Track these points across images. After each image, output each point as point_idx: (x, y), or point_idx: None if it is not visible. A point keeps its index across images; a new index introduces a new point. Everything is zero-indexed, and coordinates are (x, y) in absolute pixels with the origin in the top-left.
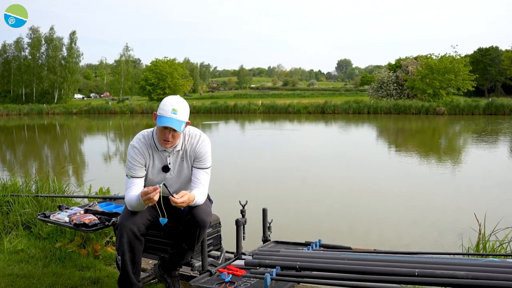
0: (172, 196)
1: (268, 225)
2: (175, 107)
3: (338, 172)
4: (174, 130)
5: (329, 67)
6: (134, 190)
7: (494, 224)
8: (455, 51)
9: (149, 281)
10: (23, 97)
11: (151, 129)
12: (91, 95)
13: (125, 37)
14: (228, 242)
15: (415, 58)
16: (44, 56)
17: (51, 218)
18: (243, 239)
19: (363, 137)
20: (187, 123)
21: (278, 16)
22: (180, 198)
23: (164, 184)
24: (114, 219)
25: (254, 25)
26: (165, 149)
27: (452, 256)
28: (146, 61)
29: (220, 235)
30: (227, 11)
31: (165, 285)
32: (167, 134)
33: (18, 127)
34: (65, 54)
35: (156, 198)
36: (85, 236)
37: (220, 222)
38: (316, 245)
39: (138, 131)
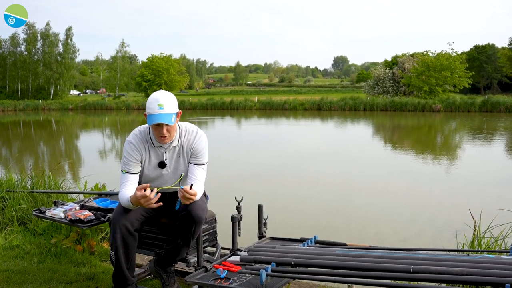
0: (182, 188)
1: (263, 221)
2: (160, 102)
3: (334, 168)
4: (167, 124)
5: (326, 63)
6: (128, 186)
7: (489, 221)
8: (452, 48)
9: (144, 277)
10: (19, 93)
11: (147, 125)
12: (87, 91)
13: (121, 33)
14: (224, 238)
15: (412, 55)
16: (40, 52)
17: (46, 214)
18: (239, 235)
19: (359, 134)
20: (179, 113)
21: (275, 12)
22: (194, 193)
23: (182, 174)
24: (109, 215)
25: (251, 21)
26: (161, 145)
27: (447, 252)
28: (142, 57)
29: (215, 231)
30: (224, 7)
31: (161, 281)
32: (161, 131)
33: (14, 123)
34: (61, 50)
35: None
36: (80, 232)
37: (215, 218)
38: (311, 242)
39: (134, 127)
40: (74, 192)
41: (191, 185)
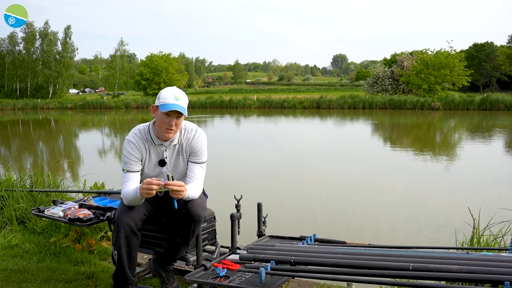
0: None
1: (263, 219)
2: (176, 94)
3: (334, 167)
4: (178, 117)
5: (325, 62)
6: (130, 184)
7: (489, 219)
8: (451, 47)
9: (144, 276)
10: (18, 92)
11: (147, 123)
12: (86, 90)
13: (120, 32)
14: (223, 237)
15: (411, 53)
16: (38, 51)
17: (45, 213)
18: (238, 234)
19: (358, 132)
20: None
21: (274, 10)
22: (177, 185)
23: (171, 176)
24: (108, 213)
25: (250, 20)
26: (162, 143)
27: (446, 250)
28: (141, 55)
29: (215, 229)
30: (223, 6)
31: (160, 280)
32: (171, 122)
33: (13, 122)
34: (60, 48)
35: (154, 191)
36: (79, 231)
37: (215, 216)
38: (310, 240)
39: (133, 126)
40: (73, 191)
41: (172, 176)
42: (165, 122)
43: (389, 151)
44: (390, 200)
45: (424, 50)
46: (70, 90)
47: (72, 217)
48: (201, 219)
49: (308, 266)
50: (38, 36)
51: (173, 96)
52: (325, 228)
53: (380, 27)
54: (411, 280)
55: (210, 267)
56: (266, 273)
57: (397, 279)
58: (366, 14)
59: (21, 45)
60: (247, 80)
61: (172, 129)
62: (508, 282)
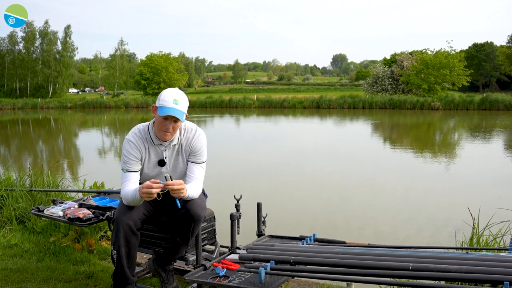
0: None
1: (262, 219)
2: (176, 98)
3: (333, 166)
4: (175, 121)
5: (325, 61)
6: (130, 184)
7: (488, 219)
8: (450, 46)
9: (143, 276)
10: (17, 91)
11: (147, 123)
12: (86, 89)
13: (120, 31)
14: (223, 237)
15: (410, 53)
16: (38, 50)
17: (45, 212)
18: (238, 234)
19: (358, 132)
20: (186, 116)
21: (274, 10)
22: (177, 184)
23: (169, 176)
24: (108, 213)
25: (249, 19)
26: (162, 143)
27: (446, 250)
28: (141, 55)
29: (214, 229)
30: (223, 6)
31: (160, 280)
32: (168, 125)
33: (13, 122)
34: (60, 48)
35: (155, 194)
36: (79, 231)
37: (214, 216)
38: (310, 240)
39: (133, 125)
40: (72, 191)
41: (170, 176)
42: (162, 125)
43: (389, 151)
44: (390, 200)
45: (424, 50)
46: (70, 89)
47: (71, 217)
48: (200, 219)
49: (308, 266)
50: (38, 36)
51: (172, 100)
52: (325, 228)
53: (380, 27)
54: (410, 280)
55: (210, 266)
56: (266, 273)
57: (396, 279)
58: (366, 14)
59: (21, 45)
60: (247, 80)
61: (169, 132)
62: (508, 282)
